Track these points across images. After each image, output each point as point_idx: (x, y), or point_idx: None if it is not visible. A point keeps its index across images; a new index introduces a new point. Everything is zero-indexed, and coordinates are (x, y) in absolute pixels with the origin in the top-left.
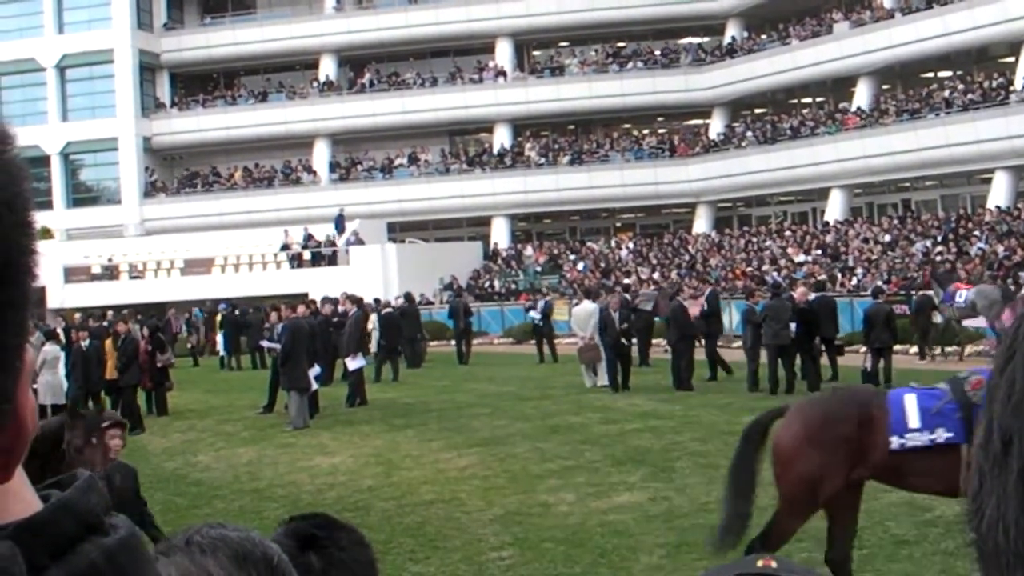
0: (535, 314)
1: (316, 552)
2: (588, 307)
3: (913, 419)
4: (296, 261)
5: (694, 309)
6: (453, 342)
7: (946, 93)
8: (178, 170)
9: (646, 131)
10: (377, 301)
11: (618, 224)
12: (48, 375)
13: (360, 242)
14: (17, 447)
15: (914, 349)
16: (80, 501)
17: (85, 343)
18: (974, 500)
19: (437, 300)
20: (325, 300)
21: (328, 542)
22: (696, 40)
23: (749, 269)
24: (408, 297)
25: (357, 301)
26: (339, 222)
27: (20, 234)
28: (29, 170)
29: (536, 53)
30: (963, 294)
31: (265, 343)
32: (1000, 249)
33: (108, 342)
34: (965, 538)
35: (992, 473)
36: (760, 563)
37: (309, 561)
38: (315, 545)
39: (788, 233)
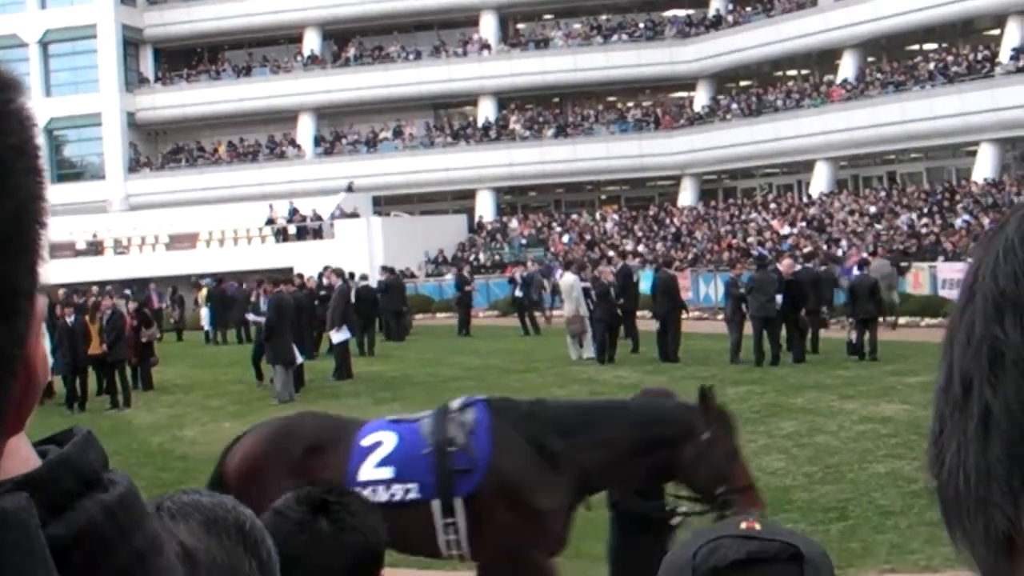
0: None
1: (327, 517)
2: (569, 279)
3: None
4: (281, 235)
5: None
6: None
7: (931, 66)
8: (162, 145)
9: (631, 104)
10: (351, 275)
11: (603, 197)
12: None
13: (345, 216)
14: (28, 397)
15: (900, 321)
16: (79, 457)
17: (70, 318)
18: (935, 445)
19: (422, 273)
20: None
21: (339, 507)
22: (681, 12)
23: (734, 242)
24: (390, 271)
25: (342, 274)
26: (349, 190)
27: (31, 180)
28: (36, 119)
29: (520, 26)
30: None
31: (251, 316)
32: (985, 221)
33: (91, 318)
34: (927, 485)
35: (952, 418)
36: (743, 525)
37: (320, 526)
38: (326, 510)
39: (773, 205)
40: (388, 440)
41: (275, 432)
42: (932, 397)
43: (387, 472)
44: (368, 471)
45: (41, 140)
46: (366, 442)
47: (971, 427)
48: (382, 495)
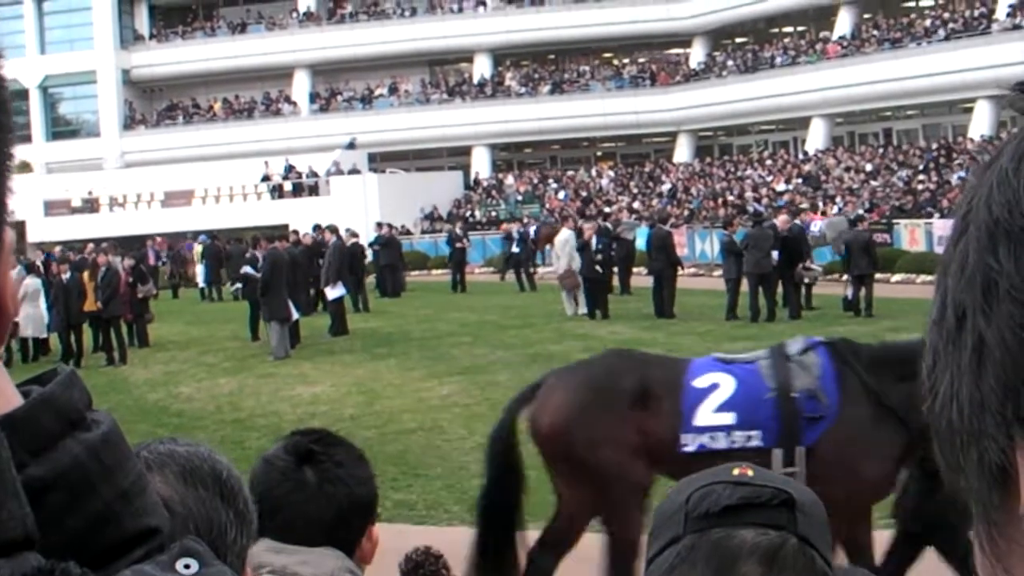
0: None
1: (312, 467)
2: (565, 234)
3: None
4: (277, 192)
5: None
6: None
7: (928, 22)
8: (157, 102)
9: (627, 60)
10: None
11: (599, 153)
12: (29, 308)
13: (340, 172)
14: None
15: (895, 277)
16: (61, 396)
17: (66, 276)
18: (928, 378)
19: (417, 230)
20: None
21: (324, 457)
22: None
23: (731, 198)
24: (388, 227)
25: (336, 231)
26: (351, 146)
27: None
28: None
29: None
30: (817, 224)
31: (248, 269)
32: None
33: (86, 274)
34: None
35: (946, 350)
36: (736, 471)
37: (305, 476)
38: (311, 460)
39: (769, 162)
40: (725, 382)
41: (594, 377)
42: (925, 330)
43: (728, 417)
44: (706, 415)
45: (7, 93)
46: (700, 383)
47: (964, 358)
48: (721, 442)
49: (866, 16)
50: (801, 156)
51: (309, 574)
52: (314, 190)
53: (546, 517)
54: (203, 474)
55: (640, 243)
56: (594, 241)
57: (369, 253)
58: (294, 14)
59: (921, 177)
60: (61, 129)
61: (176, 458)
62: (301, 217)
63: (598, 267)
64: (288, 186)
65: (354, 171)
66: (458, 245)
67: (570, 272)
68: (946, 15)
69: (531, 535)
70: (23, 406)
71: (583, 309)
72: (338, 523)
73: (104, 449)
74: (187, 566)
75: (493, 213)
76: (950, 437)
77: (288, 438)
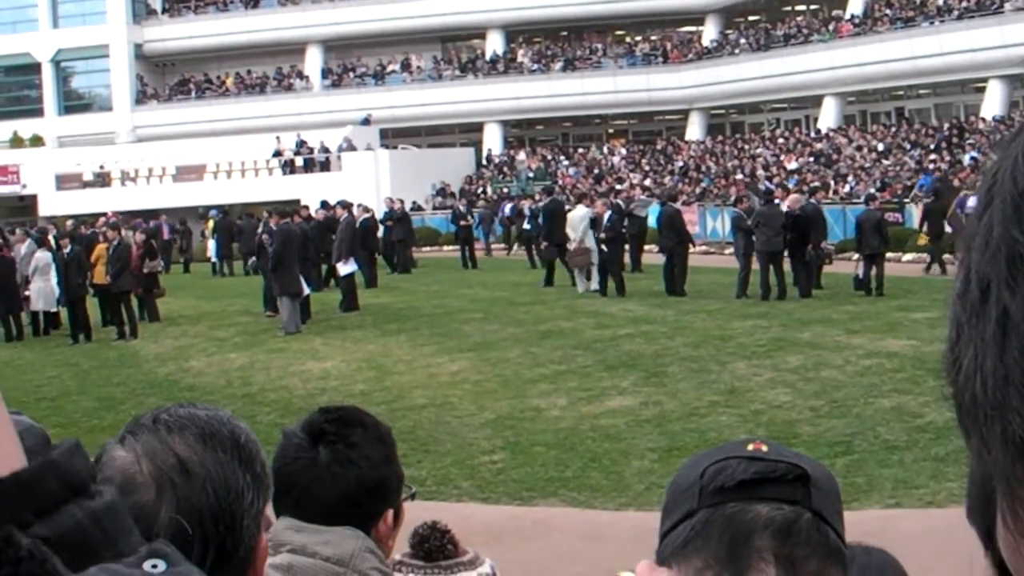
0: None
1: (325, 446)
2: (580, 211)
3: None
4: (288, 167)
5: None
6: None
7: (940, 1)
8: (169, 77)
9: (639, 38)
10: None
11: (611, 131)
12: (40, 282)
13: (352, 148)
14: None
15: (907, 257)
16: (65, 463)
17: (67, 250)
18: (951, 352)
19: (429, 206)
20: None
21: (335, 438)
22: None
23: (740, 177)
24: (400, 202)
25: (348, 207)
26: (366, 122)
27: None
28: None
29: None
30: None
31: (265, 237)
32: (994, 158)
33: (101, 247)
34: (944, 391)
35: (970, 323)
36: (751, 447)
37: (318, 455)
38: (324, 439)
39: (781, 140)
40: None
41: None
42: (948, 304)
43: None
44: None
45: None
46: None
47: (989, 331)
48: None
49: None
50: (813, 135)
51: (330, 553)
52: (325, 166)
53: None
54: (222, 437)
55: (651, 220)
56: (605, 218)
57: (381, 228)
58: None
59: (933, 156)
60: (73, 103)
61: (196, 421)
62: (312, 193)
63: (603, 246)
64: (300, 162)
65: (368, 149)
66: (462, 222)
67: (581, 250)
68: None
69: (533, 512)
70: (29, 467)
71: (594, 286)
72: (347, 504)
73: (107, 517)
74: (155, 566)
75: (505, 190)
76: (973, 410)
77: (312, 414)
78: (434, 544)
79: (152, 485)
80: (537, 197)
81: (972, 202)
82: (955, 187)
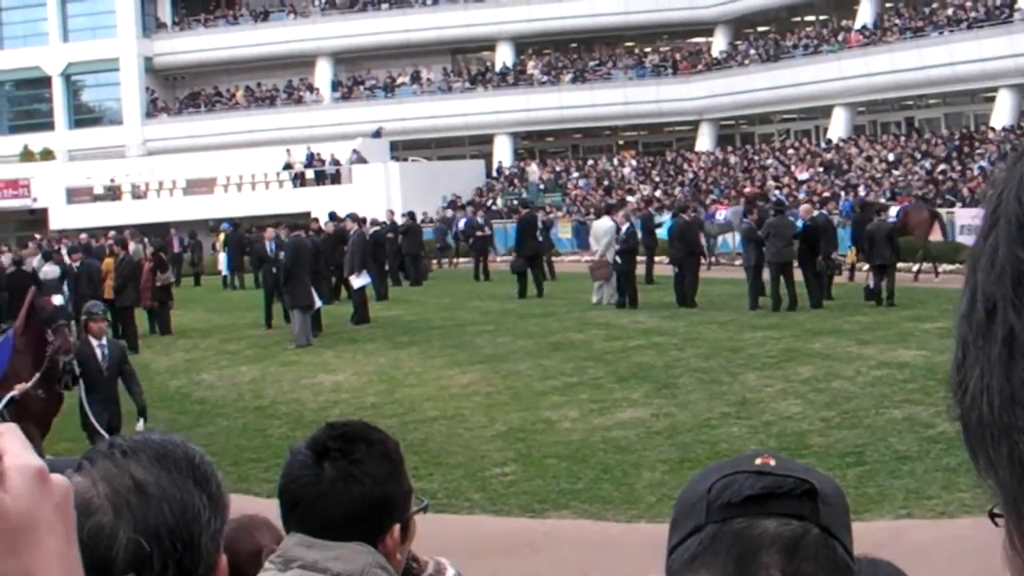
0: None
1: (330, 463)
2: (606, 223)
3: None
4: (299, 180)
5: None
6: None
7: (950, 11)
8: (180, 90)
9: (649, 49)
10: (363, 221)
11: (621, 142)
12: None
13: (362, 160)
14: None
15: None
16: None
17: (76, 264)
18: (958, 372)
19: (439, 218)
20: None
21: (338, 454)
22: None
23: (748, 190)
24: (410, 215)
25: (358, 220)
26: (377, 135)
27: None
28: None
29: None
30: (722, 213)
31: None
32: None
33: (109, 261)
34: (950, 413)
35: (976, 344)
36: (759, 461)
37: (322, 471)
38: (328, 456)
39: (791, 151)
40: None
41: None
42: (954, 324)
43: None
44: None
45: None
46: None
47: (995, 351)
48: None
49: (888, 5)
50: (823, 145)
51: (340, 569)
52: (336, 178)
53: (571, 508)
54: (177, 458)
55: (661, 232)
56: (624, 229)
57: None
58: (317, 2)
59: (943, 166)
60: (84, 117)
61: (150, 444)
62: (323, 205)
63: (618, 257)
64: (310, 174)
65: (361, 160)
66: (478, 233)
67: (603, 262)
68: (968, 4)
69: (544, 525)
70: None
71: (614, 298)
72: (352, 520)
73: None
74: None
75: (514, 202)
76: (980, 431)
77: (318, 430)
78: None
79: (109, 507)
80: (548, 210)
81: (721, 216)
82: (871, 202)
